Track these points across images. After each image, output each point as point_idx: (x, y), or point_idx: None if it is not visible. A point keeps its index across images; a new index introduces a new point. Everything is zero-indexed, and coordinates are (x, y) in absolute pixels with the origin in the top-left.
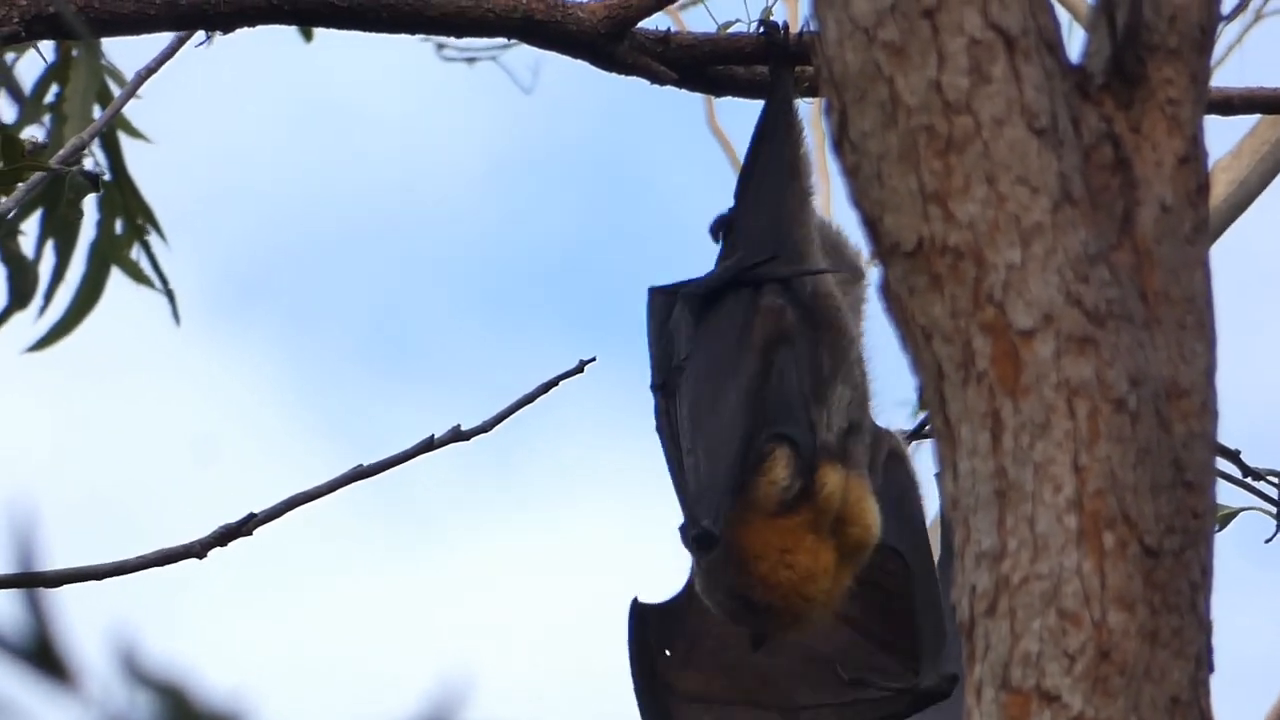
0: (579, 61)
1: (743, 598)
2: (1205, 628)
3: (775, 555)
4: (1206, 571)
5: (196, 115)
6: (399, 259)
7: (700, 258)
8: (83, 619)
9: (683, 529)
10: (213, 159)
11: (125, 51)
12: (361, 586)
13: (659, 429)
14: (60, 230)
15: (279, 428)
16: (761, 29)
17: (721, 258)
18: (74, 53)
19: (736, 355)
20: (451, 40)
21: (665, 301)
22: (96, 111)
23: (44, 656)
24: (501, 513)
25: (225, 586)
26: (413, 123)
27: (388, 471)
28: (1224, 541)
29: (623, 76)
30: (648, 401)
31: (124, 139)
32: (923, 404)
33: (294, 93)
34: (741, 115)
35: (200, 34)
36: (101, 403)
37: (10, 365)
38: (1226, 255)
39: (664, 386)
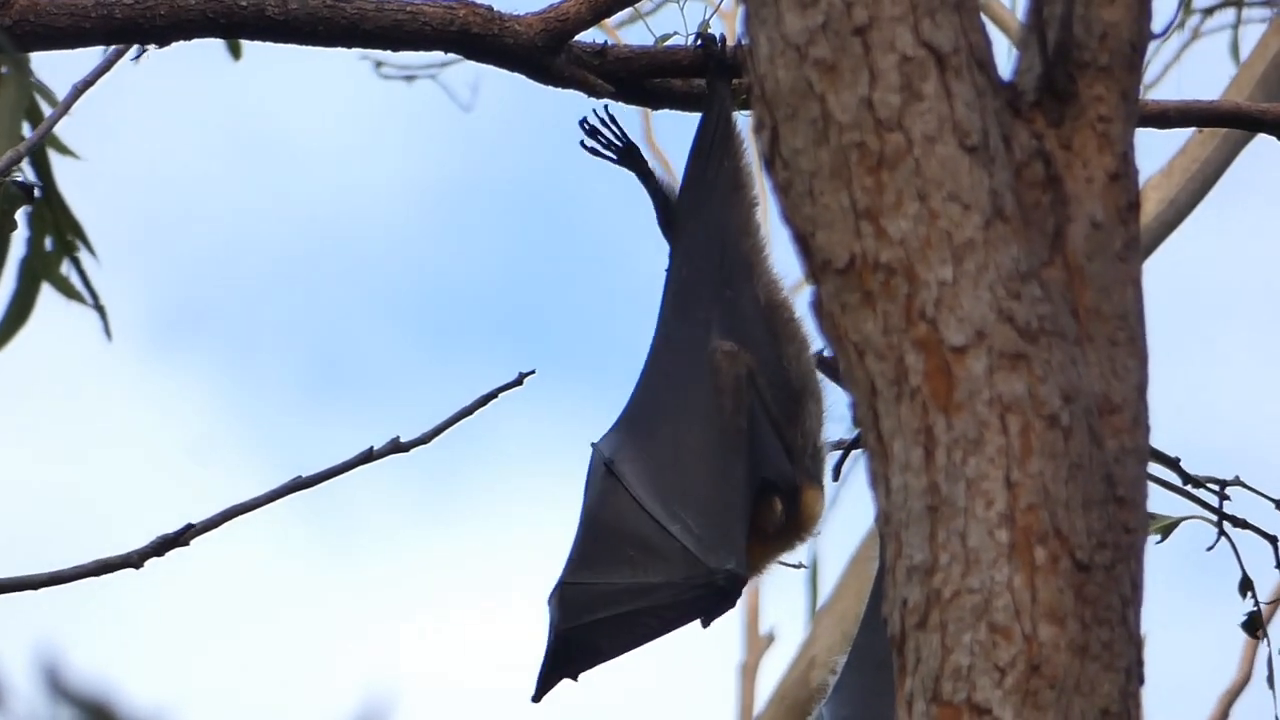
0: (516, 77)
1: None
2: (1136, 641)
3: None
4: (1137, 586)
5: (129, 138)
6: (335, 285)
7: (639, 277)
8: (15, 632)
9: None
10: (146, 183)
11: (55, 68)
12: (297, 600)
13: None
14: None
15: (217, 452)
16: (699, 42)
17: (668, 268)
18: (3, 69)
19: (704, 406)
20: (389, 57)
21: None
22: (26, 128)
23: None
24: (439, 527)
25: (162, 599)
26: (347, 145)
27: (327, 483)
28: (1165, 552)
29: (560, 90)
30: (585, 418)
31: (54, 156)
32: (856, 420)
33: (227, 118)
34: (680, 132)
35: (134, 48)
36: (33, 422)
37: None
38: (1158, 273)
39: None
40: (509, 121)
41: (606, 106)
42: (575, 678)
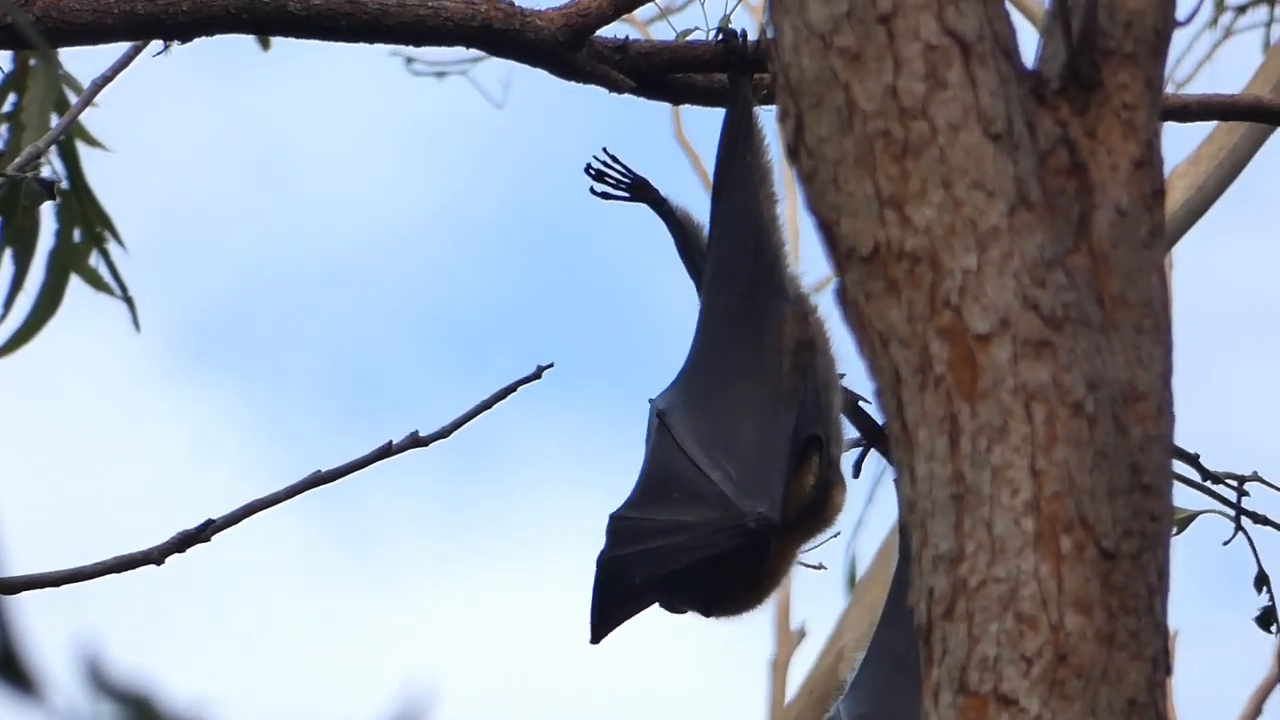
0: (539, 72)
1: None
2: (1162, 630)
3: (780, 569)
4: (1164, 574)
5: (154, 144)
6: (358, 295)
7: (667, 270)
8: (41, 627)
9: (739, 521)
10: (169, 190)
11: (84, 61)
12: (317, 598)
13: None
14: (18, 238)
15: (238, 460)
16: (720, 37)
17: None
18: (32, 62)
19: (758, 364)
20: (421, 53)
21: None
22: (55, 121)
23: (7, 666)
24: (459, 527)
25: (183, 595)
26: (371, 153)
27: (346, 480)
28: (1182, 545)
29: (582, 85)
30: (606, 418)
31: (82, 148)
32: (880, 409)
33: (248, 127)
34: (709, 126)
35: (158, 44)
36: (57, 424)
37: None
38: (1185, 260)
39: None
40: (534, 119)
41: (606, 148)
42: (603, 631)
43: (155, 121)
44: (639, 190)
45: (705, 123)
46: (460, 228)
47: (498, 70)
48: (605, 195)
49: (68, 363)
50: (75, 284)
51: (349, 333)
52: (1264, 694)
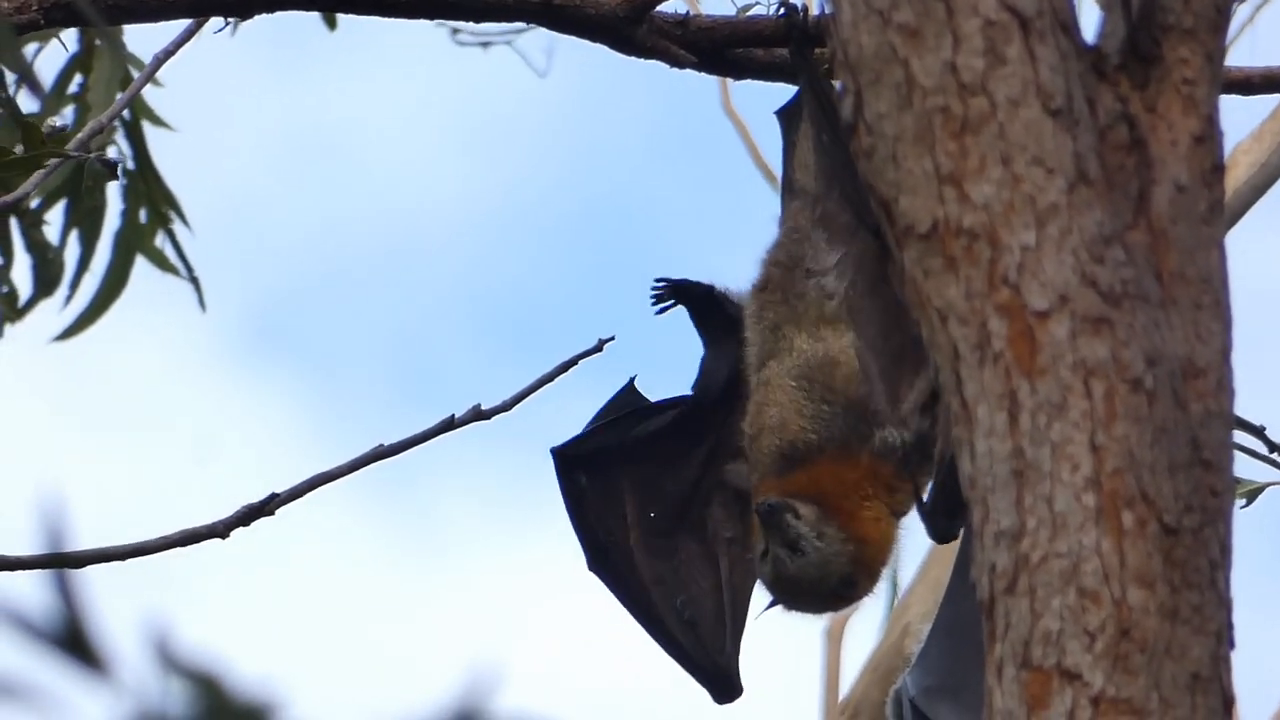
0: (597, 46)
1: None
2: (1225, 604)
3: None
4: (1226, 549)
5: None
6: (416, 283)
7: (720, 239)
8: (108, 602)
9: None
10: (224, 178)
11: (148, 42)
12: (380, 577)
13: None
14: (85, 219)
15: (300, 441)
16: (781, 11)
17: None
18: (97, 42)
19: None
20: (466, 25)
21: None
22: (120, 99)
23: (75, 642)
24: (520, 505)
25: (247, 571)
26: (419, 133)
27: (409, 454)
28: (1248, 518)
29: (641, 60)
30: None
31: (148, 129)
32: (939, 385)
33: (302, 113)
34: (758, 98)
35: (218, 21)
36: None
37: (37, 354)
38: (1249, 237)
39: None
40: (581, 91)
41: (656, 279)
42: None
43: (217, 103)
44: (684, 294)
45: (754, 95)
46: (514, 207)
47: (541, 40)
48: (664, 310)
49: (133, 343)
50: (141, 265)
51: (408, 315)
52: None
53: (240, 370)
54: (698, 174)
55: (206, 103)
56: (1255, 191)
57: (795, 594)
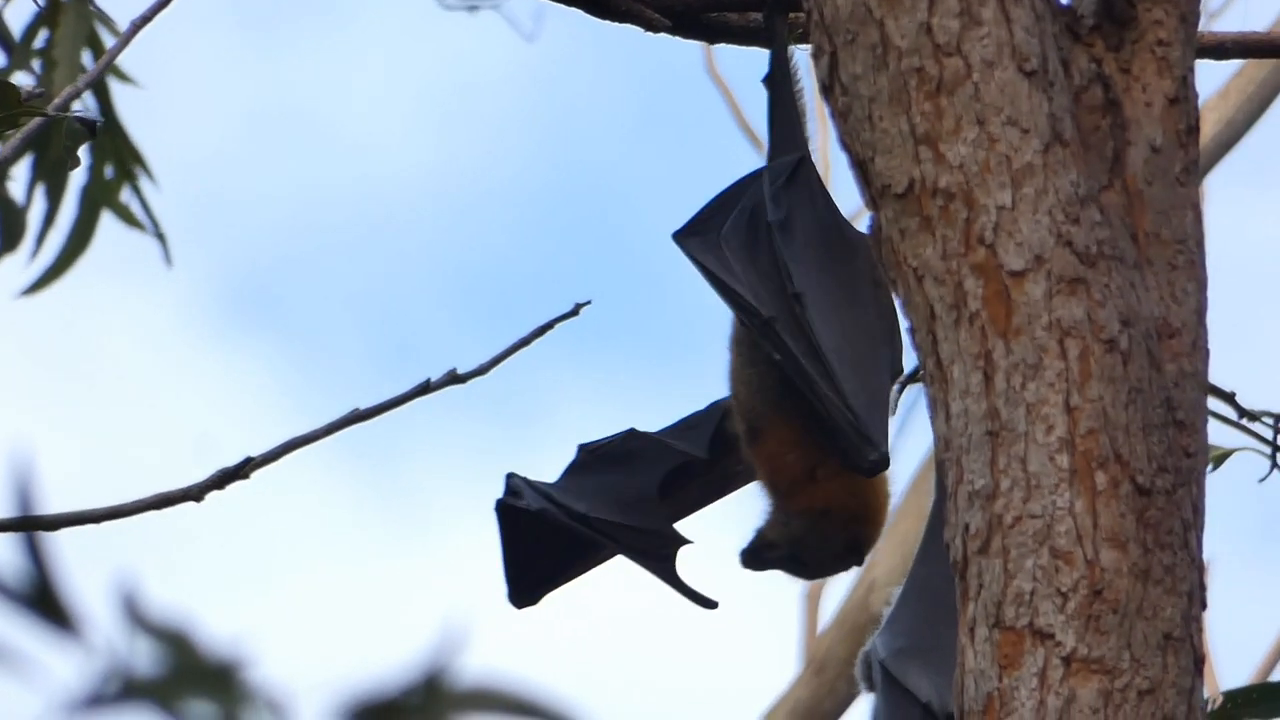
0: (574, 11)
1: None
2: (1197, 565)
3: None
4: (1198, 510)
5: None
6: (391, 254)
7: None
8: (80, 565)
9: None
10: (196, 151)
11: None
12: (354, 541)
13: (782, 350)
14: (50, 174)
15: (274, 409)
16: None
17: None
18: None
19: (861, 291)
20: None
21: (716, 240)
22: (86, 56)
23: (45, 602)
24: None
25: (222, 535)
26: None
27: (384, 417)
28: (1217, 481)
29: (617, 24)
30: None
31: (114, 84)
32: (914, 345)
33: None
34: (741, 61)
35: None
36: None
37: (3, 311)
38: (1214, 193)
39: (774, 319)
40: (565, 57)
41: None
42: None
43: (189, 70)
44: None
45: (738, 58)
46: (492, 175)
47: (529, 4)
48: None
49: (106, 313)
50: (115, 236)
51: (384, 284)
52: None
53: (214, 340)
54: (681, 138)
55: (178, 70)
56: (1222, 148)
57: (825, 575)
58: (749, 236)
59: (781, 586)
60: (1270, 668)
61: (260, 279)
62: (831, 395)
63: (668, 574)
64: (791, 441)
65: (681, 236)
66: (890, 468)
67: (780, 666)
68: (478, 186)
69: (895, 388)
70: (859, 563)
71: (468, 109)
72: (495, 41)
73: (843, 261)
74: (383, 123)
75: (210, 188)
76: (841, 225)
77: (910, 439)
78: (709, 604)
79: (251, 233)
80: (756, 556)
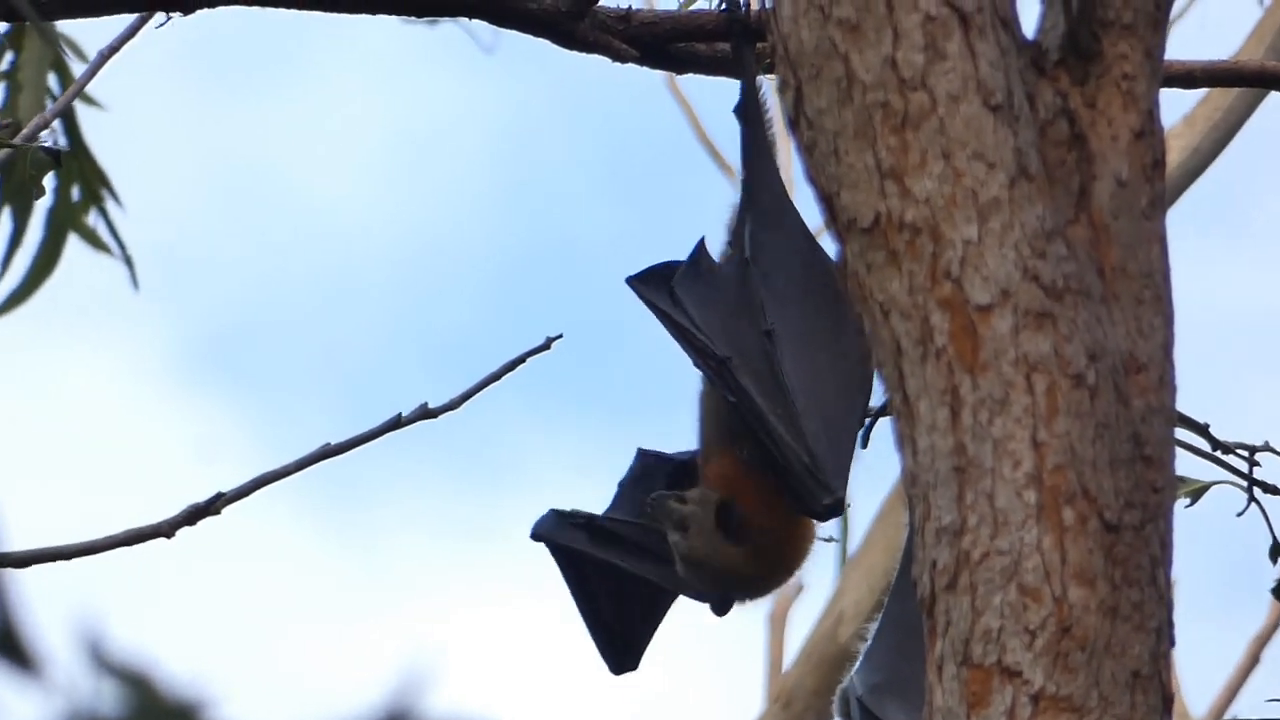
0: (540, 42)
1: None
2: (1166, 602)
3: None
4: (1166, 545)
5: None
6: (357, 306)
7: (674, 227)
8: (48, 602)
9: (806, 495)
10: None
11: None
12: (324, 575)
13: (737, 392)
14: (16, 197)
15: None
16: (723, 6)
17: (733, 226)
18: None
19: (834, 324)
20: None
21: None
22: (52, 79)
23: (7, 643)
24: (465, 510)
25: (192, 573)
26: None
27: (355, 453)
28: (1193, 516)
29: (584, 54)
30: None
31: (81, 108)
32: (881, 380)
33: (223, 155)
34: (704, 81)
35: (160, 16)
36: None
37: None
38: (1180, 222)
39: (729, 360)
40: (525, 75)
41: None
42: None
43: (148, 120)
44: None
45: (700, 77)
46: (458, 215)
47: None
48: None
49: (74, 365)
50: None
51: (351, 336)
52: (1261, 643)
53: (181, 393)
54: (644, 157)
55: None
56: (1188, 177)
57: (706, 574)
58: (714, 276)
59: (746, 620)
60: (1225, 706)
61: (226, 336)
62: (787, 438)
63: (674, 577)
64: (741, 474)
65: (636, 280)
66: (841, 515)
67: (744, 700)
68: (441, 224)
69: (865, 424)
70: (721, 613)
71: (429, 149)
72: (455, 77)
73: (826, 298)
74: (345, 168)
75: (171, 237)
76: (826, 262)
77: (877, 473)
78: (721, 610)
79: (215, 292)
80: (661, 500)
